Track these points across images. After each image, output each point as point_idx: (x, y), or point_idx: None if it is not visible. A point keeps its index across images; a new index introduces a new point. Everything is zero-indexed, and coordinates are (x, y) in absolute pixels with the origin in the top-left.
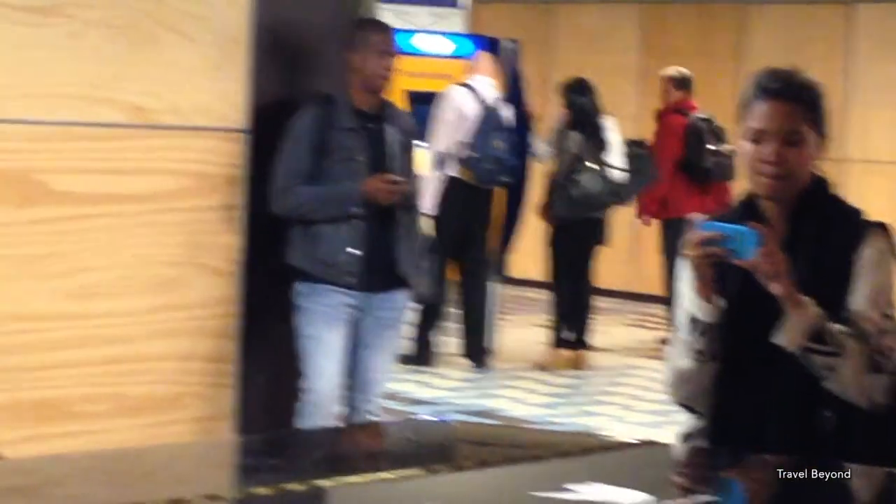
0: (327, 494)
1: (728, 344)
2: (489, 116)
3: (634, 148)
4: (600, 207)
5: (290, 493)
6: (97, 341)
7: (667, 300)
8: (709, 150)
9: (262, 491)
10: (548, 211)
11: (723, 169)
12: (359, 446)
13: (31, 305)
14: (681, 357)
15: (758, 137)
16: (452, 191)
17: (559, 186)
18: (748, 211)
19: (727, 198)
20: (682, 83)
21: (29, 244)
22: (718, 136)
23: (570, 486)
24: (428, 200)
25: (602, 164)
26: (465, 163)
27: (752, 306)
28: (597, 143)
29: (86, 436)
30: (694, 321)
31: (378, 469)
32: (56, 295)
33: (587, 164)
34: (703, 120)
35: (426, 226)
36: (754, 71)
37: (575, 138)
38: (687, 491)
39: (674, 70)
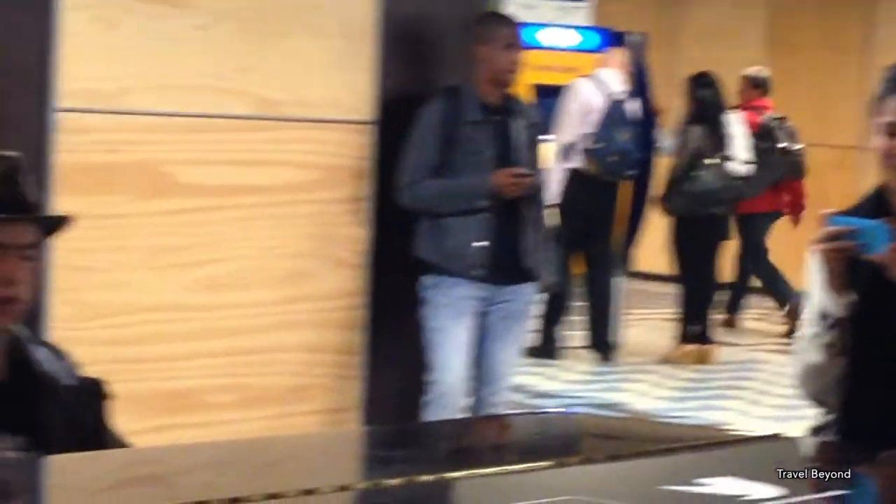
0: (457, 486)
1: (858, 338)
2: (614, 109)
3: (764, 142)
4: (720, 203)
5: (420, 485)
6: (225, 332)
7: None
8: (780, 148)
9: (392, 482)
10: (665, 205)
11: (794, 167)
12: (487, 438)
13: (160, 296)
14: (810, 351)
15: (892, 131)
16: (577, 183)
17: (677, 181)
18: (878, 205)
19: (799, 195)
20: (759, 83)
21: (157, 235)
22: (791, 135)
23: (700, 479)
24: (552, 192)
25: (724, 158)
26: (589, 155)
27: (882, 301)
28: (719, 138)
29: (213, 426)
30: (824, 315)
31: (507, 461)
32: (184, 286)
33: (707, 159)
34: (776, 119)
35: (550, 217)
36: (881, 65)
37: (696, 133)
38: (819, 485)
39: (753, 69)
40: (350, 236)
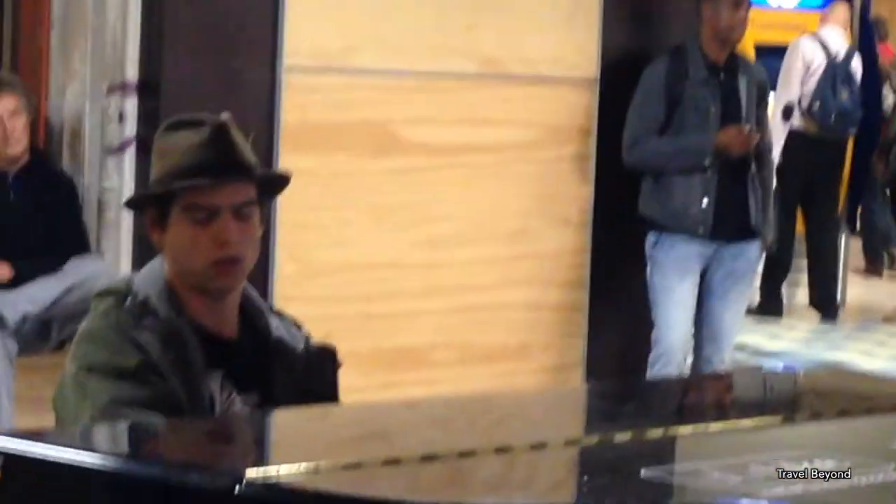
0: (685, 442)
1: None
2: (837, 67)
3: None
4: None
5: (648, 440)
6: (448, 290)
7: None
8: None
9: (619, 437)
10: (880, 165)
11: None
12: (712, 395)
13: (384, 254)
14: None
15: None
16: (798, 143)
17: (892, 142)
18: None
19: None
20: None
21: (384, 194)
22: None
23: None
24: (774, 152)
25: None
26: (809, 115)
27: None
28: None
29: (437, 384)
30: None
31: (733, 417)
32: (408, 244)
33: None
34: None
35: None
36: None
37: None
38: None
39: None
40: (574, 194)
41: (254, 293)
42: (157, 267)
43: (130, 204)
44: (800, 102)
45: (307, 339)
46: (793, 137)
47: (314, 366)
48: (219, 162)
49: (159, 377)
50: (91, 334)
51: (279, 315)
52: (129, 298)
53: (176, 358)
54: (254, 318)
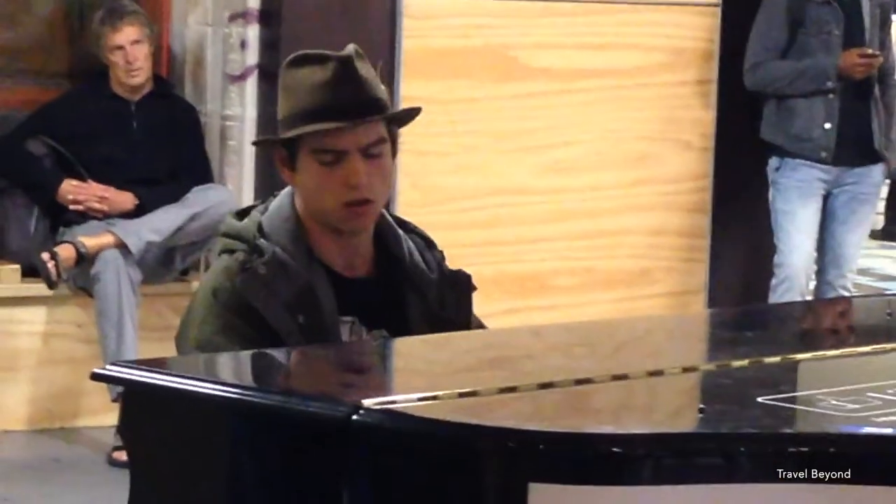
0: (805, 368)
1: None
2: None
3: None
4: None
5: (768, 366)
6: (570, 216)
7: None
8: None
9: (738, 363)
10: None
11: None
12: (834, 321)
13: (506, 180)
14: None
15: None
16: None
17: None
18: None
19: None
20: None
21: (506, 119)
22: None
23: None
24: None
25: None
26: None
27: None
28: None
29: (559, 309)
30: None
31: (854, 343)
32: (530, 170)
33: None
34: None
35: None
36: None
37: None
38: None
39: None
40: (696, 119)
41: (388, 220)
42: (287, 205)
43: (257, 144)
44: None
45: (441, 261)
46: None
47: (448, 293)
48: (345, 102)
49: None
50: (211, 299)
51: (413, 234)
52: (256, 254)
53: (306, 319)
54: (389, 247)
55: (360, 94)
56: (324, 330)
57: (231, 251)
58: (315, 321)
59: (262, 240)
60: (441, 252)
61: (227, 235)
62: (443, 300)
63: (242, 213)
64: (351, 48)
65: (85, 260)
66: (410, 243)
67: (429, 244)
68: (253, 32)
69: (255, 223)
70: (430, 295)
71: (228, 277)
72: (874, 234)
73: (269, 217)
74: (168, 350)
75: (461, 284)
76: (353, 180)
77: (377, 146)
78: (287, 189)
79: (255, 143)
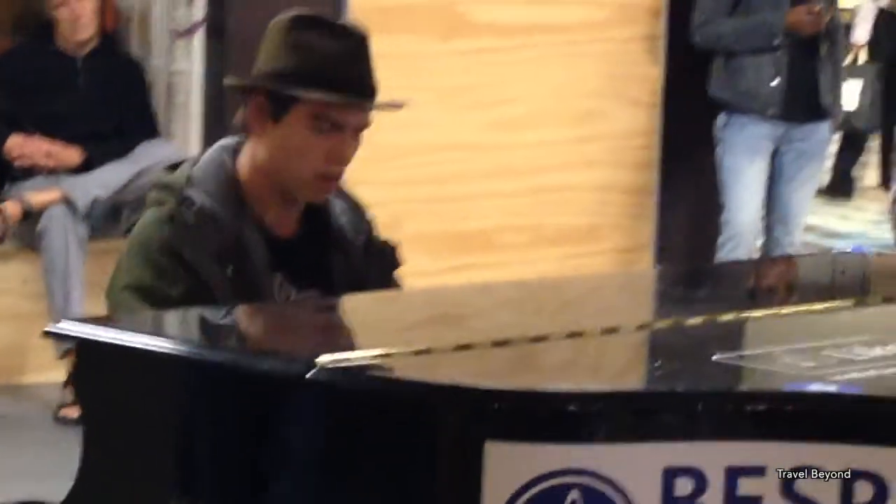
0: (757, 326)
1: None
2: None
3: None
4: None
5: (722, 324)
6: (517, 172)
7: None
8: None
9: (692, 321)
10: None
11: None
12: (783, 278)
13: (455, 135)
14: None
15: None
16: (882, 23)
17: None
18: None
19: None
20: None
21: (452, 75)
22: None
23: None
24: (863, 31)
25: None
26: None
27: None
28: None
29: (507, 266)
30: None
31: (805, 301)
32: (478, 125)
33: None
34: None
35: (862, 55)
36: None
37: None
38: None
39: None
40: (644, 75)
41: None
42: (220, 158)
43: (237, 88)
44: None
45: (370, 226)
46: (880, 17)
47: (373, 261)
48: (359, 80)
49: (207, 300)
50: (140, 248)
51: (344, 196)
52: (185, 205)
53: (235, 270)
54: (318, 208)
55: (371, 76)
56: (253, 284)
57: (159, 203)
58: (244, 274)
59: (191, 190)
60: (372, 218)
61: (156, 187)
62: (368, 265)
63: (174, 168)
64: (359, 25)
65: (31, 216)
66: (338, 205)
67: (358, 208)
68: None
69: (185, 175)
70: (354, 258)
71: (158, 228)
72: (820, 192)
73: (200, 168)
74: None
75: (387, 256)
76: (340, 155)
77: (364, 128)
78: (220, 143)
79: (234, 87)
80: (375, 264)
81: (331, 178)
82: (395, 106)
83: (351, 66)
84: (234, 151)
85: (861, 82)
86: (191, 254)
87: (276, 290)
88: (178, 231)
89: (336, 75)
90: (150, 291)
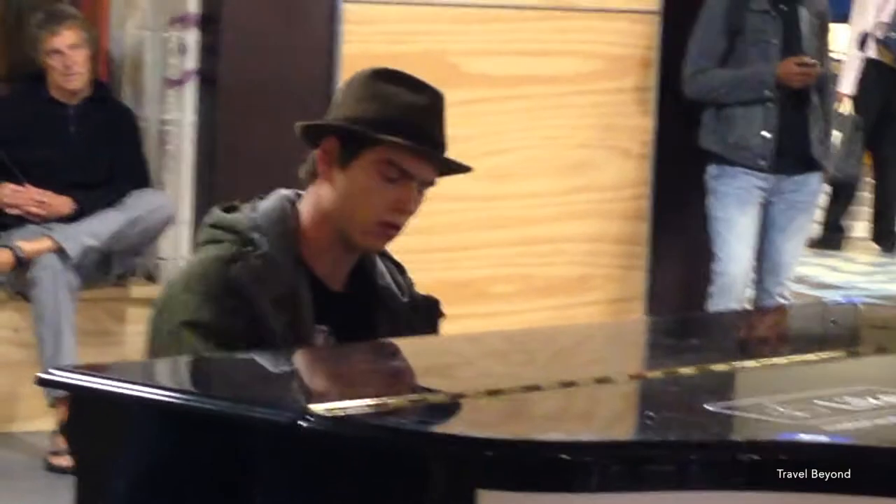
0: (749, 376)
1: None
2: None
3: None
4: None
5: (714, 374)
6: (509, 223)
7: None
8: None
9: (685, 371)
10: None
11: None
12: (775, 329)
13: (445, 186)
14: None
15: None
16: (871, 73)
17: None
18: None
19: None
20: None
21: None
22: None
23: None
24: (848, 82)
25: None
26: (883, 45)
27: None
28: None
29: (497, 316)
30: None
31: (798, 351)
32: (469, 176)
33: None
34: None
35: (847, 107)
36: None
37: None
38: None
39: None
40: (635, 126)
41: None
42: (281, 207)
43: (318, 128)
44: (875, 32)
45: (411, 286)
46: (868, 68)
47: (417, 317)
48: (436, 135)
49: (267, 342)
50: (200, 284)
51: (386, 258)
52: (251, 249)
53: (289, 320)
54: (365, 266)
55: (444, 134)
56: (301, 334)
57: (217, 241)
58: (295, 324)
59: (255, 234)
60: (411, 278)
61: (215, 226)
62: (411, 323)
63: (228, 209)
64: (438, 90)
65: (22, 264)
66: (383, 266)
67: (400, 269)
68: (192, 37)
69: (249, 218)
70: (400, 316)
71: (222, 266)
72: (811, 243)
73: (265, 215)
74: (105, 355)
75: (432, 311)
76: (405, 205)
77: (429, 185)
78: (281, 192)
79: (309, 126)
80: (421, 321)
81: (393, 227)
82: (463, 168)
83: (428, 118)
84: (292, 203)
85: (840, 134)
86: (255, 298)
87: (320, 342)
88: (245, 273)
89: (413, 124)
90: (210, 329)
